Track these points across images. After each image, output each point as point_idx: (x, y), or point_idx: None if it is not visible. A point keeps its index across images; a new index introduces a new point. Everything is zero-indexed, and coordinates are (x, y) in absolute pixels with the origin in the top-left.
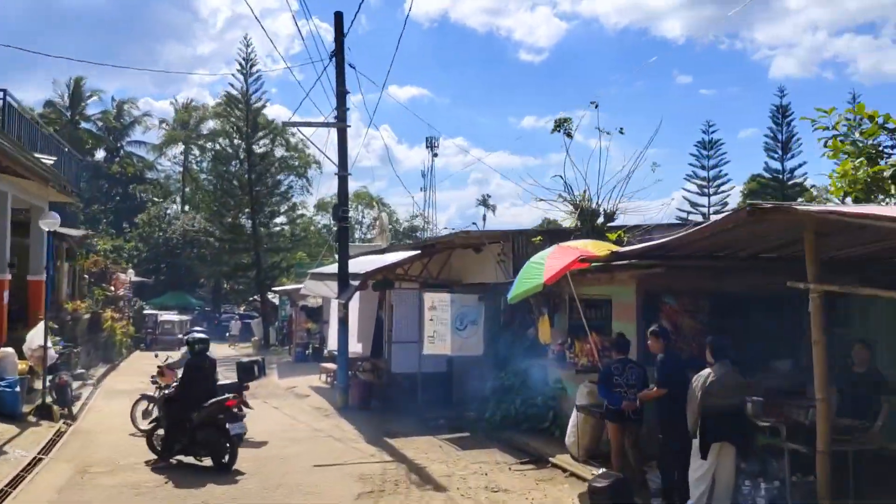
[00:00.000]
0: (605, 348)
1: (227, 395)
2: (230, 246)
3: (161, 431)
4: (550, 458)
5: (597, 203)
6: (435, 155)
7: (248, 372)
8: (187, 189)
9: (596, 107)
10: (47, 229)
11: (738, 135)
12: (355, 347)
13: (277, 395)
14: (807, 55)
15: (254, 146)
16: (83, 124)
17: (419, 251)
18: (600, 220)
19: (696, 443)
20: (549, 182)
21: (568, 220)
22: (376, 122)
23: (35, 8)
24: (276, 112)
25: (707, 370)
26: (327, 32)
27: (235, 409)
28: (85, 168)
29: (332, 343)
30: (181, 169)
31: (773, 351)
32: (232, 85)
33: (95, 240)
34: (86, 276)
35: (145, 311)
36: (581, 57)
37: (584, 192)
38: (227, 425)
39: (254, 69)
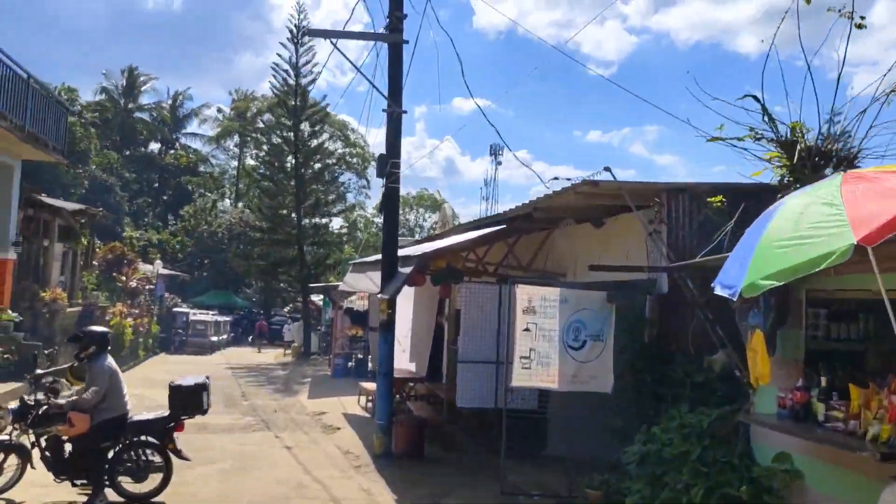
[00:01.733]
0: None
1: None
2: (271, 237)
3: None
4: None
5: (826, 138)
6: (499, 163)
7: (191, 399)
8: (241, 185)
9: None
10: None
11: None
12: (405, 366)
13: (299, 423)
14: (892, 74)
15: (302, 125)
16: (137, 114)
17: (503, 226)
18: (828, 169)
19: None
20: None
21: (771, 170)
22: (439, 136)
23: (116, 12)
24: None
25: None
26: None
27: None
28: (136, 159)
29: None
30: (236, 163)
31: None
32: (280, 55)
33: (126, 228)
34: (94, 263)
35: (175, 310)
36: (650, 71)
37: (798, 124)
38: None
39: (306, 38)
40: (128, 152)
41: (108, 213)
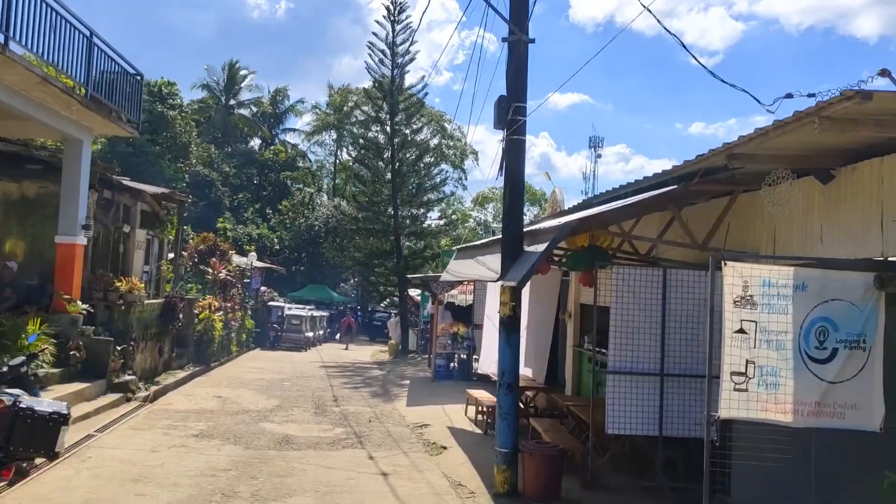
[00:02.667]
0: None
1: None
2: (366, 227)
3: None
4: None
5: None
6: (598, 156)
7: (40, 434)
8: (337, 180)
9: None
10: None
11: None
12: (520, 371)
13: (397, 438)
14: None
15: (399, 108)
16: (238, 111)
17: (674, 186)
18: None
19: None
20: None
21: None
22: (534, 132)
23: (221, 21)
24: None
25: None
26: None
27: None
28: (237, 155)
29: (488, 360)
30: (334, 159)
31: None
32: (376, 34)
33: (224, 221)
34: (184, 253)
35: (271, 304)
36: (758, 59)
37: None
38: None
39: (402, 16)
40: (229, 149)
41: (196, 199)
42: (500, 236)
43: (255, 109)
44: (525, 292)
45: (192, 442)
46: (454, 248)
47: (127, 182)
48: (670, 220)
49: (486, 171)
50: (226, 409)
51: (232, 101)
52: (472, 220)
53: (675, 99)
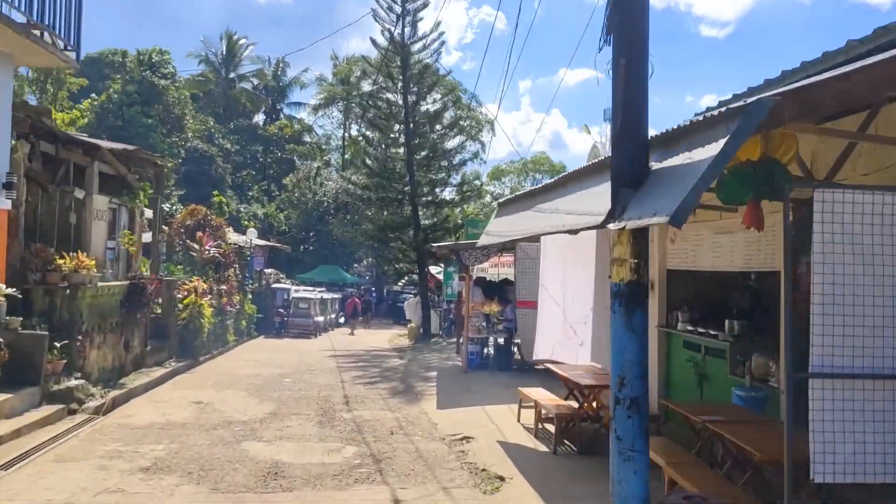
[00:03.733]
0: None
1: None
2: (379, 196)
3: None
4: None
5: None
6: None
7: None
8: (347, 155)
9: None
10: None
11: None
12: (584, 362)
13: (431, 462)
14: None
15: (412, 59)
16: (240, 84)
17: None
18: None
19: None
20: None
21: None
22: (544, 108)
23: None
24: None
25: None
26: None
27: None
28: (240, 131)
29: (545, 344)
30: (342, 132)
31: None
32: None
33: (228, 199)
34: (165, 228)
35: (275, 286)
36: (769, 29)
37: None
38: None
39: None
40: (231, 124)
41: (174, 160)
42: (582, 167)
43: (256, 82)
44: (574, 256)
45: (136, 481)
46: (483, 221)
47: (76, 135)
48: (865, 120)
49: (497, 151)
50: (201, 422)
51: (232, 75)
52: (488, 196)
53: (685, 72)
